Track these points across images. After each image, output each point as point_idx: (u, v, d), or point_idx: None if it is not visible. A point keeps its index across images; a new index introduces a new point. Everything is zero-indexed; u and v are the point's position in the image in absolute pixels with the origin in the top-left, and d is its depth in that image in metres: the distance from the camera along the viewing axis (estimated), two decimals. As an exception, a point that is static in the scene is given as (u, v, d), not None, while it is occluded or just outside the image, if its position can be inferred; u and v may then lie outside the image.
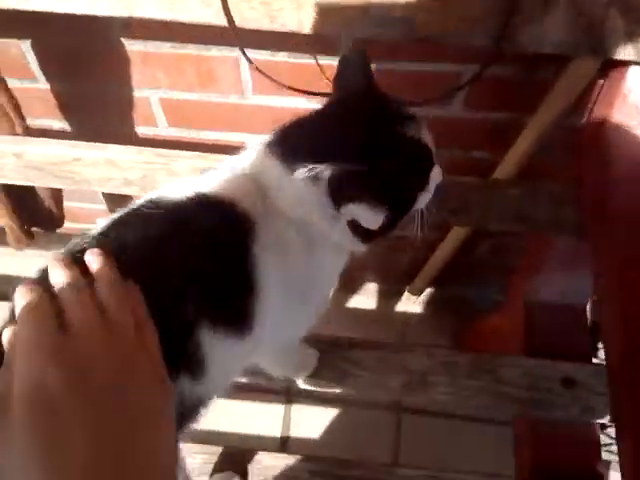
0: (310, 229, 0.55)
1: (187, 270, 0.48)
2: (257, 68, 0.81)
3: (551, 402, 0.78)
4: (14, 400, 0.35)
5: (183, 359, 0.48)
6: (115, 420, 0.36)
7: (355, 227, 0.55)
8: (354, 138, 0.54)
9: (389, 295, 1.43)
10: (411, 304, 1.42)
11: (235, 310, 0.52)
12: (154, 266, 0.48)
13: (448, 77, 0.90)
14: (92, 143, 0.88)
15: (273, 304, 0.54)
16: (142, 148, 0.88)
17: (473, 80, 0.79)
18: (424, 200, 0.58)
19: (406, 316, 1.42)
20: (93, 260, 0.43)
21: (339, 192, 0.52)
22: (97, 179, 0.87)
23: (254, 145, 0.60)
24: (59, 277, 0.41)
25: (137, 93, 1.01)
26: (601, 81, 0.79)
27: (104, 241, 0.49)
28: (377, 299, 1.42)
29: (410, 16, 0.70)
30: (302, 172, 0.51)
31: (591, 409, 0.78)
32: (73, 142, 0.88)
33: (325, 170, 0.51)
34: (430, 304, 1.42)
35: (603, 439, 1.06)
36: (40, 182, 0.88)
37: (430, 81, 0.91)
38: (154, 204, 0.52)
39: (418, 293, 1.38)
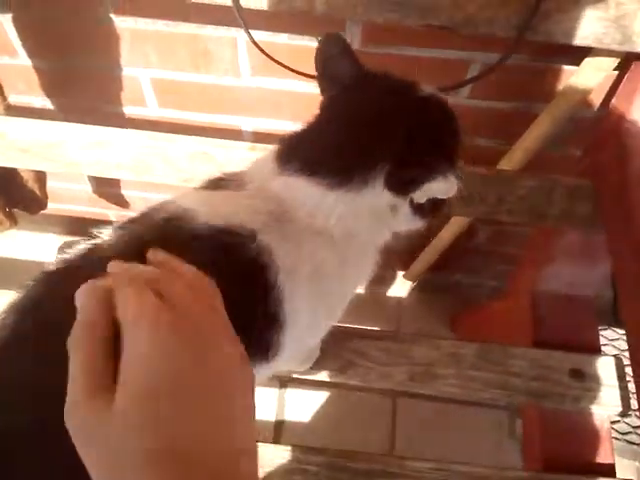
0: (350, 242, 0.52)
1: None
2: (263, 51, 0.76)
3: (560, 394, 0.77)
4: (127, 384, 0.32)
5: None
6: (196, 379, 0.33)
7: (419, 206, 0.52)
8: (386, 124, 0.50)
9: (383, 280, 1.41)
10: (405, 289, 1.40)
11: (257, 343, 0.49)
12: None
13: (455, 64, 0.86)
14: (81, 124, 0.83)
15: (300, 326, 0.51)
16: (135, 130, 0.83)
17: (492, 70, 0.75)
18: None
19: (400, 301, 1.41)
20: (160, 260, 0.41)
21: (407, 180, 0.49)
22: (87, 162, 0.82)
23: (257, 162, 0.56)
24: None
25: (126, 72, 0.95)
26: (618, 74, 0.78)
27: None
28: (370, 283, 1.39)
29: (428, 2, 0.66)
30: (356, 182, 0.49)
31: (601, 401, 0.77)
32: (60, 123, 0.83)
33: (381, 169, 0.48)
34: (424, 290, 1.40)
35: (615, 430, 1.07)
36: (26, 164, 0.83)
37: (436, 68, 0.87)
38: (169, 222, 0.48)
39: (414, 279, 1.36)
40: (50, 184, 1.14)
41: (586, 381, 0.78)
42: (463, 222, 1.07)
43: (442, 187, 0.49)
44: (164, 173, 0.81)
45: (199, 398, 0.33)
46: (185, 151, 0.82)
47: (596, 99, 0.86)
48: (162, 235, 0.48)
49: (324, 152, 0.52)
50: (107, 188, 1.25)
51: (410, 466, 0.74)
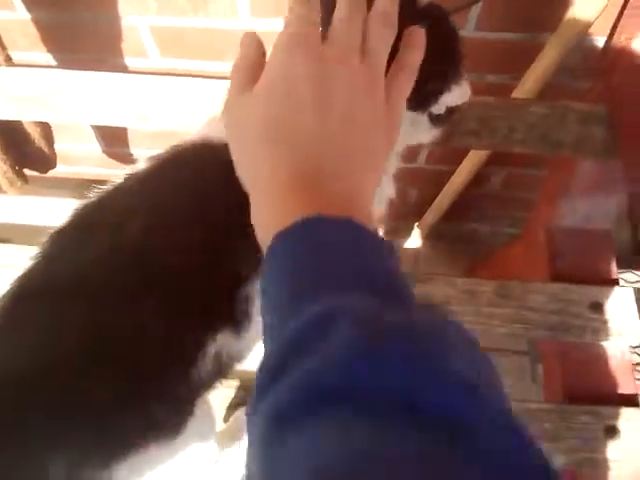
0: None
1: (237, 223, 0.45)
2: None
3: (580, 326, 0.75)
4: (260, 79, 0.39)
5: (229, 312, 0.47)
6: (339, 125, 0.38)
7: (436, 117, 0.52)
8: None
9: (398, 232, 1.39)
10: (421, 240, 1.38)
11: None
12: (200, 218, 0.47)
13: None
14: (82, 71, 0.81)
15: None
16: (139, 75, 0.81)
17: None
18: None
19: (417, 253, 1.39)
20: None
21: (426, 96, 0.49)
22: (90, 111, 0.80)
23: None
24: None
25: (125, 21, 0.94)
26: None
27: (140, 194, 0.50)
28: (385, 236, 1.38)
29: None
30: None
31: (621, 332, 0.75)
32: (60, 70, 0.81)
33: None
34: (441, 240, 1.38)
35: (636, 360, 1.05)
36: (27, 115, 0.81)
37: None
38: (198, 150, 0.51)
39: (428, 229, 1.34)
40: (60, 145, 1.13)
41: (605, 313, 0.76)
42: (474, 164, 1.04)
43: (458, 94, 0.50)
44: (171, 119, 0.79)
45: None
46: (194, 95, 0.80)
47: (604, 24, 0.83)
48: (193, 159, 0.51)
49: None
50: (117, 148, 1.24)
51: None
